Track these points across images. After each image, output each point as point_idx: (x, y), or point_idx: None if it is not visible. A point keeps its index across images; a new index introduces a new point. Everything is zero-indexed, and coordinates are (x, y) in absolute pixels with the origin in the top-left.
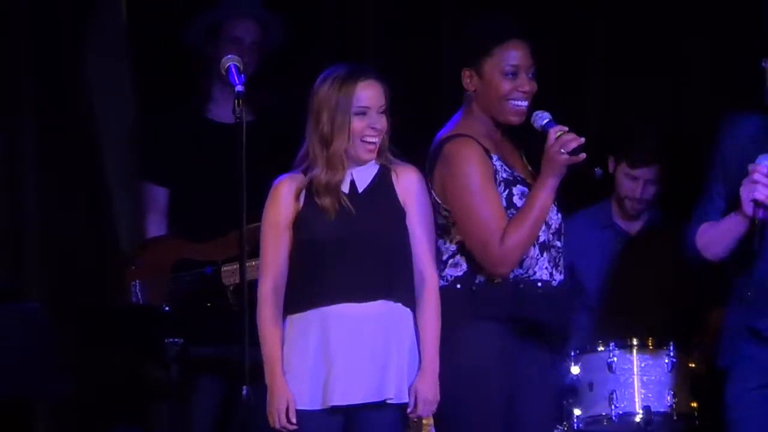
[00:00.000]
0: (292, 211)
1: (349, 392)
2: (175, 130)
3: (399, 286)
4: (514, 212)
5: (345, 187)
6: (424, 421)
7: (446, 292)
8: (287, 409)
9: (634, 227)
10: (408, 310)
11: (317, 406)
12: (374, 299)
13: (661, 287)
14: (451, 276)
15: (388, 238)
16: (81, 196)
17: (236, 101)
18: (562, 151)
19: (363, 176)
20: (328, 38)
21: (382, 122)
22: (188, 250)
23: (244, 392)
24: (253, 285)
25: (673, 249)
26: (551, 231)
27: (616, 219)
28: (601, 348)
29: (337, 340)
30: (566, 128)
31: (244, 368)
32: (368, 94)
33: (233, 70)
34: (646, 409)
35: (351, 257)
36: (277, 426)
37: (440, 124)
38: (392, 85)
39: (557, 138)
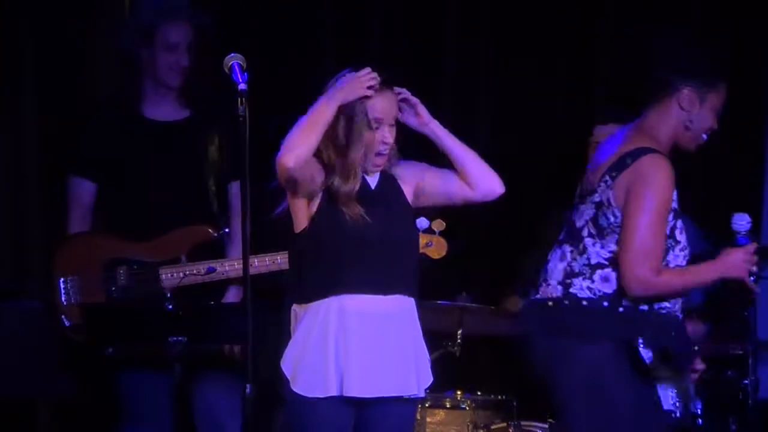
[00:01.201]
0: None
1: (368, 385)
2: (110, 126)
3: (412, 282)
4: (672, 243)
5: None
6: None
7: (590, 304)
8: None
9: None
10: (413, 302)
11: (332, 393)
12: (392, 293)
13: None
14: (599, 291)
15: (403, 234)
16: None
17: (240, 99)
18: (752, 269)
19: (372, 177)
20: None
21: (393, 134)
22: (122, 248)
23: (248, 390)
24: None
25: None
26: None
27: None
28: None
29: (355, 330)
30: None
31: (247, 366)
32: (383, 106)
33: (236, 68)
34: None
35: (370, 250)
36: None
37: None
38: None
39: (751, 252)
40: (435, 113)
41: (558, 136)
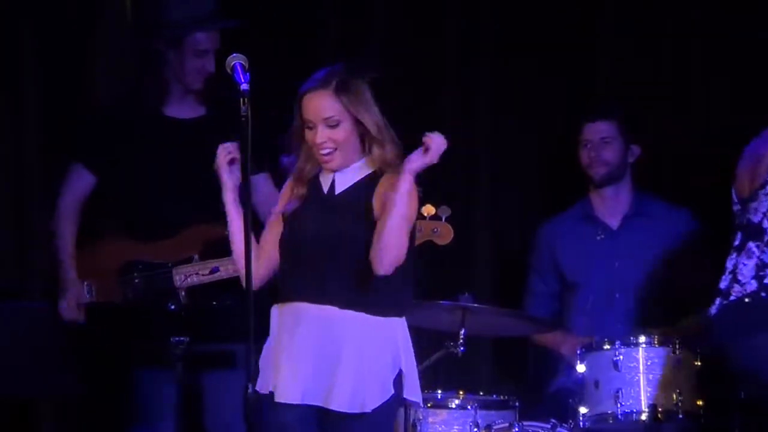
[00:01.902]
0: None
1: (289, 391)
2: (124, 121)
3: (354, 291)
4: None
5: (325, 187)
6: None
7: (752, 297)
8: None
9: (616, 220)
10: (364, 316)
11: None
12: (323, 303)
13: (648, 279)
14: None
15: (350, 243)
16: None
17: (242, 99)
18: None
19: (344, 179)
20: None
21: (329, 134)
22: (136, 250)
23: (250, 390)
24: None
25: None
26: None
27: (597, 212)
28: (606, 346)
29: (286, 337)
30: None
31: (250, 366)
32: (311, 106)
33: (239, 68)
34: (652, 407)
35: (303, 256)
36: None
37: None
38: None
39: None
40: (435, 112)
41: (559, 134)
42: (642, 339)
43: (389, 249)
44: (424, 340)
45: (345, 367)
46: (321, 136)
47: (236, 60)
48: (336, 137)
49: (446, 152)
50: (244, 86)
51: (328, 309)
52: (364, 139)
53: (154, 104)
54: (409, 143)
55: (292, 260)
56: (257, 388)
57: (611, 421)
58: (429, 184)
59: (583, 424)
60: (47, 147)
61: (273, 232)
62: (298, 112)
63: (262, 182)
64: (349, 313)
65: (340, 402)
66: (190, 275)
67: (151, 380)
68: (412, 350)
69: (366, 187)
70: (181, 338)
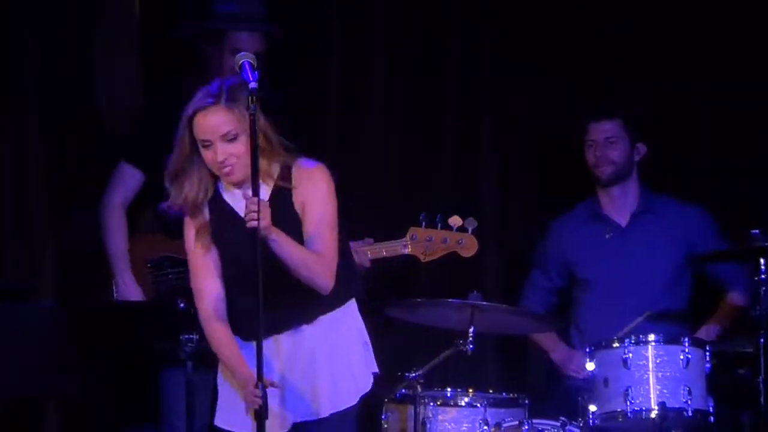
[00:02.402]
0: None
1: (279, 423)
2: (172, 119)
3: (313, 300)
4: None
5: (239, 209)
6: None
7: None
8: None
9: (624, 218)
10: (330, 315)
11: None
12: (290, 328)
13: (655, 278)
14: None
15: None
16: (92, 193)
17: (249, 97)
18: None
19: (260, 194)
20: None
21: (228, 149)
22: (167, 246)
23: (259, 388)
24: None
25: (666, 237)
26: None
27: (606, 211)
28: (616, 344)
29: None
30: None
31: (260, 365)
32: (207, 124)
33: (247, 67)
34: (662, 405)
35: (257, 290)
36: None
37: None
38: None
39: None
40: (438, 110)
41: (562, 133)
42: (651, 337)
43: (317, 274)
44: (433, 339)
45: (324, 373)
46: (222, 152)
47: (244, 58)
48: (236, 151)
49: (453, 152)
50: (253, 84)
51: (300, 329)
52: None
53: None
54: (411, 142)
55: (244, 296)
56: (217, 423)
57: (621, 419)
58: (438, 184)
59: (593, 422)
60: (51, 147)
61: (206, 265)
62: (188, 134)
63: None
64: (318, 320)
65: (330, 405)
66: None
67: (165, 379)
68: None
69: (281, 201)
70: (191, 336)
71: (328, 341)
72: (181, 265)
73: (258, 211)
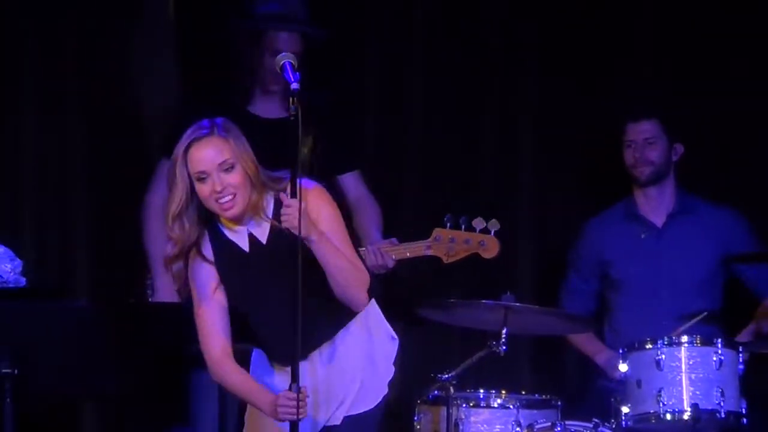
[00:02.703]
0: None
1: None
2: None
3: (332, 317)
4: None
5: (243, 245)
6: None
7: None
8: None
9: (660, 219)
10: (352, 325)
11: None
12: (315, 348)
13: (690, 279)
14: None
15: (314, 288)
16: (130, 193)
17: (291, 98)
18: None
19: (262, 228)
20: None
21: (226, 180)
22: None
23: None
24: None
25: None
26: None
27: (642, 211)
28: (649, 345)
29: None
30: None
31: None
32: (203, 155)
33: (288, 67)
34: (695, 406)
35: (283, 328)
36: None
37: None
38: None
39: None
40: (476, 111)
41: (596, 133)
42: (684, 338)
43: (354, 284)
44: (466, 340)
45: (353, 376)
46: (220, 182)
47: (286, 59)
48: (234, 181)
49: (489, 153)
50: (294, 85)
51: (323, 347)
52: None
53: (238, 101)
54: (449, 143)
55: (262, 328)
56: None
57: (653, 421)
58: (475, 184)
59: (626, 424)
60: (90, 147)
61: (210, 300)
62: (182, 171)
63: (352, 182)
64: (340, 333)
65: (354, 408)
66: None
67: (195, 381)
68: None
69: (281, 234)
70: None
71: (353, 351)
72: None
73: (298, 212)
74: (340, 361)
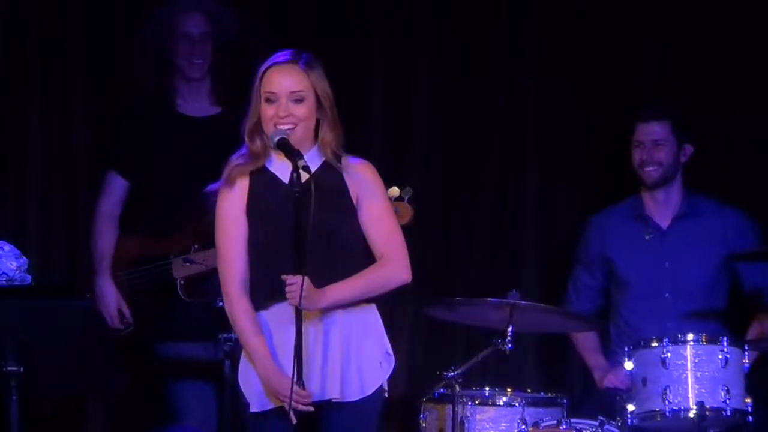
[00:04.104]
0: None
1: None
2: (143, 122)
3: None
4: None
5: (283, 177)
6: None
7: None
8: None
9: (666, 221)
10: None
11: (270, 406)
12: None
13: (694, 281)
14: None
15: (335, 233)
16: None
17: (295, 174)
18: None
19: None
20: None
21: (292, 109)
22: (144, 245)
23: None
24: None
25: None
26: None
27: (648, 212)
28: (654, 343)
29: (286, 339)
30: None
31: (299, 364)
32: (278, 79)
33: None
34: (700, 404)
35: (291, 255)
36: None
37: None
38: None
39: None
40: (481, 108)
41: (607, 130)
42: (690, 336)
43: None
44: (472, 338)
45: (351, 355)
46: (284, 109)
47: (279, 135)
48: (298, 113)
49: (495, 150)
50: (303, 163)
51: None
52: (317, 124)
53: (165, 102)
54: (454, 141)
55: (274, 261)
56: (255, 409)
57: (659, 419)
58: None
59: (631, 422)
60: (95, 146)
61: (236, 235)
62: (258, 88)
63: None
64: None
65: (357, 390)
66: (186, 265)
67: (198, 378)
68: None
69: (329, 176)
70: (229, 335)
71: (358, 323)
72: (150, 261)
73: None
74: (335, 328)
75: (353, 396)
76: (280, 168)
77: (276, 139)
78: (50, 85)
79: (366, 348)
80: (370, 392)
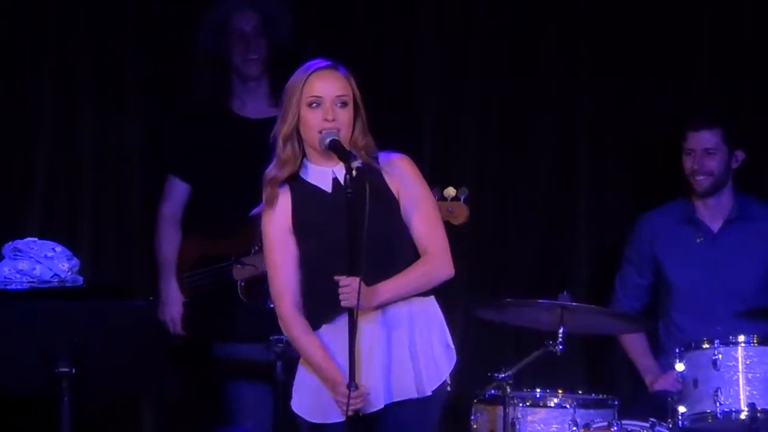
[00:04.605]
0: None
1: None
2: (201, 126)
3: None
4: None
5: (327, 187)
6: None
7: None
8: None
9: (717, 224)
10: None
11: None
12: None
13: (745, 285)
14: None
15: (388, 237)
16: None
17: (348, 175)
18: None
19: (343, 174)
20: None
21: (337, 113)
22: (206, 246)
23: (352, 389)
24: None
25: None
26: None
27: (699, 215)
28: (705, 345)
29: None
30: None
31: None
32: (323, 84)
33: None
34: (751, 406)
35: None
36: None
37: None
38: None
39: None
40: (533, 110)
41: (658, 133)
42: (741, 338)
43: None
44: (523, 339)
45: (415, 352)
46: (331, 112)
47: (329, 137)
48: (342, 118)
49: (546, 151)
50: (357, 163)
51: (386, 309)
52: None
53: (222, 104)
54: (507, 142)
55: (327, 274)
56: (313, 420)
57: (710, 420)
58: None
59: (682, 424)
60: (147, 148)
61: (284, 254)
62: (297, 94)
63: None
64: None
65: (415, 388)
66: (246, 267)
67: (254, 380)
68: None
69: (371, 176)
70: (280, 337)
71: (415, 324)
72: (210, 264)
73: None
74: (392, 330)
75: (422, 392)
76: (320, 176)
77: (328, 140)
78: (103, 86)
79: (431, 342)
80: (436, 386)
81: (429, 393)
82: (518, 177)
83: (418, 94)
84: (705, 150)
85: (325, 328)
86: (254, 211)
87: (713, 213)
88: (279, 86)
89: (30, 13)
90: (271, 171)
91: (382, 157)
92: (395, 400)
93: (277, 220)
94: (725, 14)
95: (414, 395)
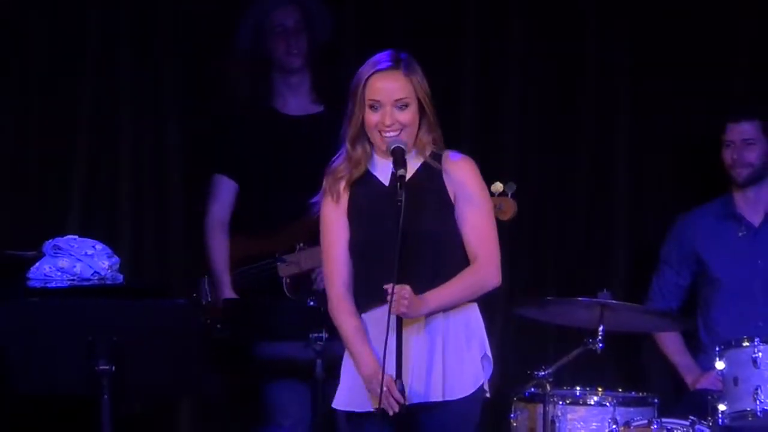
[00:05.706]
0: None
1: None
2: (247, 124)
3: (445, 277)
4: None
5: (385, 180)
6: None
7: None
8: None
9: (758, 218)
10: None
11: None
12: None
13: None
14: None
15: (436, 234)
16: None
17: (398, 183)
18: None
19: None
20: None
21: (397, 116)
22: (251, 244)
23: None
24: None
25: None
26: None
27: (740, 210)
28: (746, 343)
29: (380, 345)
30: None
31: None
32: (382, 87)
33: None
34: None
35: (392, 256)
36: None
37: None
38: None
39: None
40: (572, 107)
41: (697, 129)
42: None
43: (482, 286)
44: (563, 337)
45: (450, 356)
46: (390, 117)
47: (395, 144)
48: (403, 120)
49: (585, 150)
50: (402, 172)
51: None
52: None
53: (264, 101)
54: (545, 140)
55: (374, 264)
56: (353, 408)
57: (750, 419)
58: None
59: (722, 422)
60: (188, 147)
61: (338, 240)
62: (360, 94)
63: None
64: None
65: (456, 389)
66: (291, 264)
67: (294, 378)
68: None
69: (429, 176)
70: (320, 334)
71: (460, 323)
72: (256, 260)
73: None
74: (434, 331)
75: (455, 395)
76: (381, 169)
77: (393, 146)
78: (142, 86)
79: (468, 348)
80: (472, 391)
81: (456, 397)
82: (558, 175)
83: (459, 89)
84: (744, 141)
85: (364, 317)
86: (315, 199)
87: (754, 207)
88: (320, 83)
89: (69, 15)
90: (340, 165)
91: (450, 156)
92: (427, 400)
93: (335, 205)
94: (765, 15)
95: (439, 398)
